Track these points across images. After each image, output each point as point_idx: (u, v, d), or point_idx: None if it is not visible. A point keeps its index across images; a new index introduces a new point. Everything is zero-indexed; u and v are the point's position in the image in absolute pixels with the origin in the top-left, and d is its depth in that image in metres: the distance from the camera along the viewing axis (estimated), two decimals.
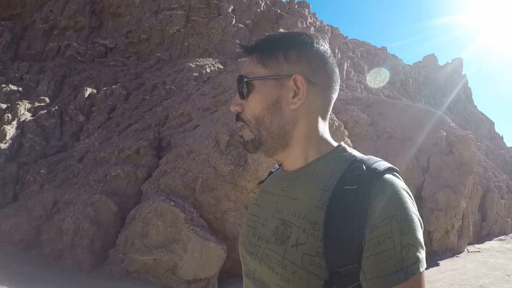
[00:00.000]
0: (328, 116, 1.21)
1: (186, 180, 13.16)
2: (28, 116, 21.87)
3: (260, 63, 1.15)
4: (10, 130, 20.47)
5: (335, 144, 1.19)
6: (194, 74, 24.01)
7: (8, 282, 10.14)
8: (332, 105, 1.21)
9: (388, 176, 1.01)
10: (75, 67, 27.36)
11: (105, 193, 13.79)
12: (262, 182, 1.37)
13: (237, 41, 30.01)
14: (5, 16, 33.97)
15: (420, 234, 0.96)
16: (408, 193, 1.01)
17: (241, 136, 1.20)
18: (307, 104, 1.13)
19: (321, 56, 1.15)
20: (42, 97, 23.29)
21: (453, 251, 17.58)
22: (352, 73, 34.93)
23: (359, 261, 0.94)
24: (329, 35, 36.19)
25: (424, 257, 0.96)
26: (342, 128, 17.58)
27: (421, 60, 66.44)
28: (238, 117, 1.19)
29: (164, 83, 22.46)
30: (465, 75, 69.74)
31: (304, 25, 33.04)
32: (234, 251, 11.67)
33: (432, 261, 15.33)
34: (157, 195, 12.87)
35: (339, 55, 35.56)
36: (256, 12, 31.54)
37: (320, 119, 1.17)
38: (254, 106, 1.14)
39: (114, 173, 14.46)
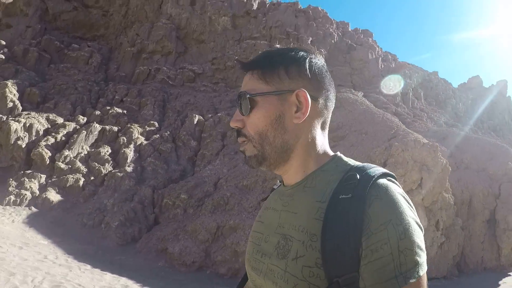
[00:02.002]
0: (327, 126, 1.23)
1: None
2: (142, 139, 23.69)
3: (261, 79, 1.15)
4: (130, 154, 22.23)
5: (331, 153, 1.20)
6: None
7: None
8: (330, 116, 1.23)
9: (382, 181, 1.01)
10: (170, 92, 29.25)
11: None
12: (265, 199, 1.38)
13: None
14: (88, 37, 35.72)
15: (418, 238, 0.94)
16: (404, 197, 1.00)
17: (243, 152, 1.20)
18: (310, 117, 1.15)
19: (319, 70, 1.17)
20: (152, 122, 25.18)
21: None
22: (416, 102, 36.54)
23: (358, 270, 0.93)
24: (393, 65, 38.17)
25: (425, 261, 0.94)
26: (448, 165, 19.61)
27: (466, 82, 67.09)
28: (240, 133, 1.19)
29: None
30: (509, 97, 70.37)
31: (374, 56, 34.97)
32: None
33: (503, 274, 18.92)
34: None
35: (402, 83, 37.25)
36: (330, 43, 33.58)
37: (320, 131, 1.19)
38: (257, 121, 1.14)
39: None
